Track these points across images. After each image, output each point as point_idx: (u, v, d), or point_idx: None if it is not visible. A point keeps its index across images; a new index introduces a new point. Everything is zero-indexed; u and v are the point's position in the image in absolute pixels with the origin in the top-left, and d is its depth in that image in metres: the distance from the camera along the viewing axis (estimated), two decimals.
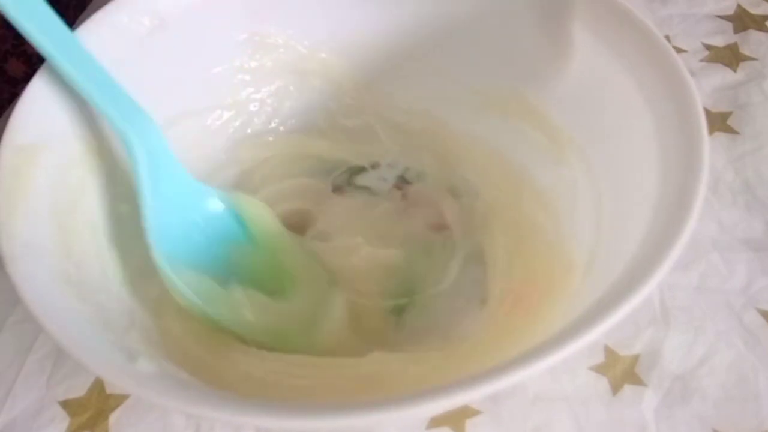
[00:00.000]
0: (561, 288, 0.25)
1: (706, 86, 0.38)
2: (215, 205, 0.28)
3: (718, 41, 0.40)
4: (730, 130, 0.36)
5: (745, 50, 0.39)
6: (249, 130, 0.34)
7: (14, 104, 0.24)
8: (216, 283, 0.27)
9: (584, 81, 0.27)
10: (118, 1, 0.28)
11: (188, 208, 0.28)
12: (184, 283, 0.26)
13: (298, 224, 0.32)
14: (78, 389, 0.29)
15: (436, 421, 0.27)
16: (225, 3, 0.30)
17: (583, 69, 0.27)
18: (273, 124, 0.34)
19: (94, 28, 0.27)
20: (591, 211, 0.26)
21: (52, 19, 0.25)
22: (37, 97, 0.25)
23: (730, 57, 0.39)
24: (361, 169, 0.34)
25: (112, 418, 0.28)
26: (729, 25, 0.41)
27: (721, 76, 0.38)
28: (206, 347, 0.25)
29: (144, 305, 0.25)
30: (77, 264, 0.23)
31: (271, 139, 0.34)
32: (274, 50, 0.32)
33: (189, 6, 0.29)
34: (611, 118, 0.26)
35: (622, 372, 0.28)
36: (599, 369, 0.28)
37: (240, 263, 0.28)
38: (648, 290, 0.18)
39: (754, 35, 0.40)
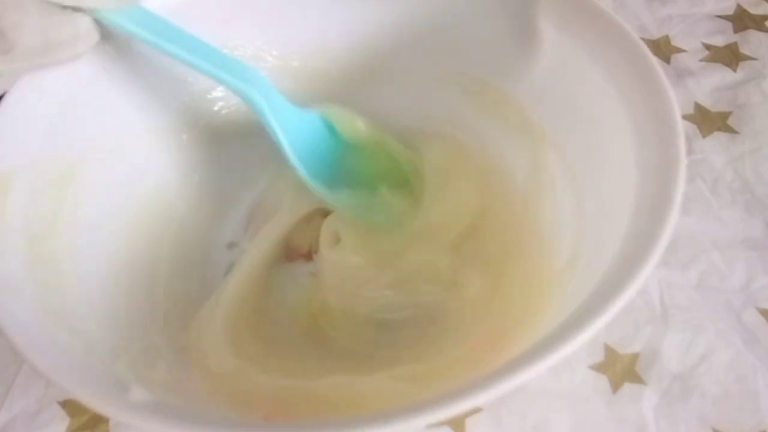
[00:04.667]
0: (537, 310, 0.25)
1: (706, 86, 0.38)
2: (319, 122, 0.31)
3: (718, 41, 0.40)
4: (730, 130, 0.36)
5: (744, 50, 0.40)
6: None
7: None
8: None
9: (558, 77, 0.27)
10: None
11: (305, 131, 0.30)
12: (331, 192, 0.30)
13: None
14: None
15: None
16: (189, 16, 0.28)
17: (556, 66, 0.27)
18: None
19: None
20: (571, 211, 0.26)
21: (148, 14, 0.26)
22: (3, 125, 0.24)
23: (729, 57, 0.39)
24: None
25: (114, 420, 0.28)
26: (729, 25, 0.41)
27: (721, 75, 0.38)
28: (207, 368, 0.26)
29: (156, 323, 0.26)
30: (58, 293, 0.23)
31: None
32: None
33: None
34: (587, 114, 0.26)
35: (621, 370, 0.28)
36: (599, 367, 0.29)
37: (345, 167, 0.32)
38: (638, 285, 0.18)
39: (754, 35, 0.40)
